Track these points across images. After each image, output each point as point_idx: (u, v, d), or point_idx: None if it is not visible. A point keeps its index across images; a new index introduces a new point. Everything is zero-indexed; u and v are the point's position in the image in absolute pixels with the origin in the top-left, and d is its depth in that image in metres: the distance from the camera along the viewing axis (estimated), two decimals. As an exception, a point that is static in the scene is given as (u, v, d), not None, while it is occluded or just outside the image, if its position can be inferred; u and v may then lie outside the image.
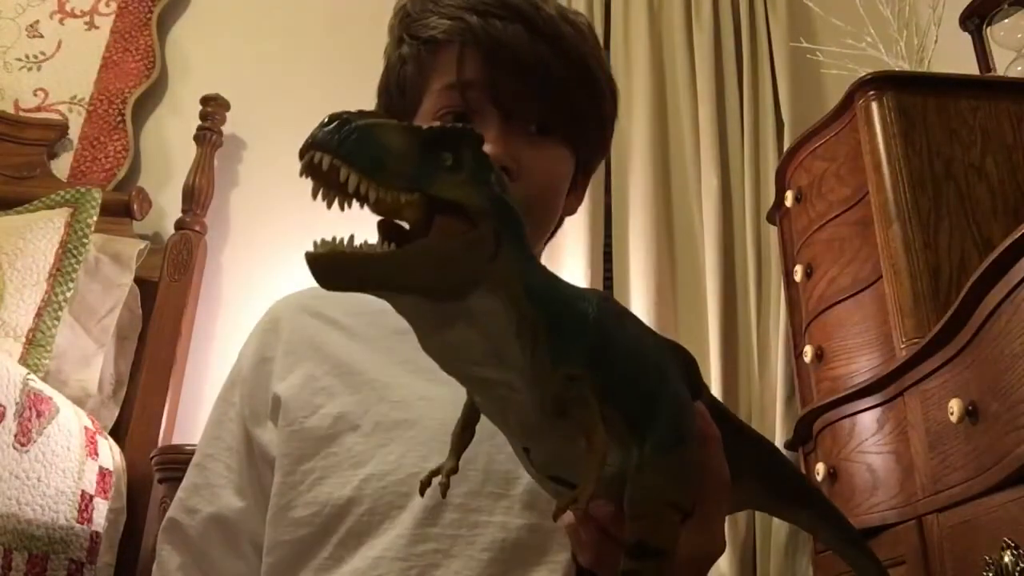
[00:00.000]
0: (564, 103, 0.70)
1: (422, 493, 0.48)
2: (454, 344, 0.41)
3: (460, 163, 0.38)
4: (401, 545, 0.61)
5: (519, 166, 0.68)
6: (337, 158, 0.35)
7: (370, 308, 0.76)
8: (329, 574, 0.63)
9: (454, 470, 0.48)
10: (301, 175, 0.37)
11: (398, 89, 0.75)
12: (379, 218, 0.40)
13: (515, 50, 0.68)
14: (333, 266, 0.36)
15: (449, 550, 0.61)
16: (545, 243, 0.84)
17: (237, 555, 0.69)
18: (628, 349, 0.45)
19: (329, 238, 0.36)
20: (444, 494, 0.47)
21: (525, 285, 0.41)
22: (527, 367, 0.41)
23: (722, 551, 0.48)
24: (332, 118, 0.37)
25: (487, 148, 0.66)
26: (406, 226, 0.39)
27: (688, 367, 0.50)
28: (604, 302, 0.45)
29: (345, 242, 0.36)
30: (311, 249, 0.36)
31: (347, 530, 0.63)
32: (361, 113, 0.38)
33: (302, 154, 0.37)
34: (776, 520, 1.81)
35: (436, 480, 0.48)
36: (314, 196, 0.37)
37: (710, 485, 0.47)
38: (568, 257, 2.05)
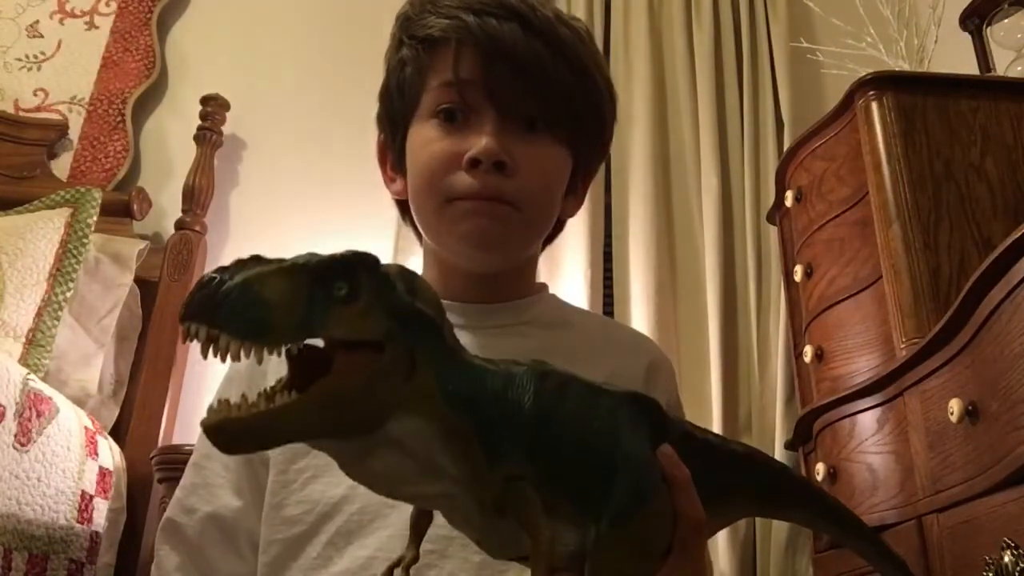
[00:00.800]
0: (560, 101, 0.71)
1: None
2: (381, 472, 0.39)
3: (356, 291, 0.37)
4: (395, 545, 0.61)
5: (513, 161, 0.69)
6: (213, 327, 0.34)
7: None
8: (319, 573, 0.63)
9: (415, 560, 0.47)
10: (183, 342, 0.37)
11: (398, 91, 0.75)
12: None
13: (511, 47, 0.68)
14: (230, 433, 0.35)
15: (444, 550, 0.61)
16: (544, 245, 0.83)
17: (235, 554, 0.69)
18: (571, 427, 0.43)
19: (227, 399, 0.35)
20: None
21: (446, 394, 0.39)
22: (461, 475, 0.40)
23: None
24: (206, 279, 0.35)
25: (483, 143, 0.67)
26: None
27: (650, 413, 0.48)
28: (540, 380, 0.43)
29: (241, 402, 0.35)
30: (206, 417, 0.35)
31: (337, 529, 0.63)
32: (240, 264, 0.36)
33: (181, 321, 0.35)
34: (776, 520, 1.81)
35: (397, 572, 0.47)
36: (204, 356, 0.35)
37: (683, 526, 0.47)
38: (568, 257, 2.05)
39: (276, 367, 0.71)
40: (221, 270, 0.35)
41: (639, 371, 0.77)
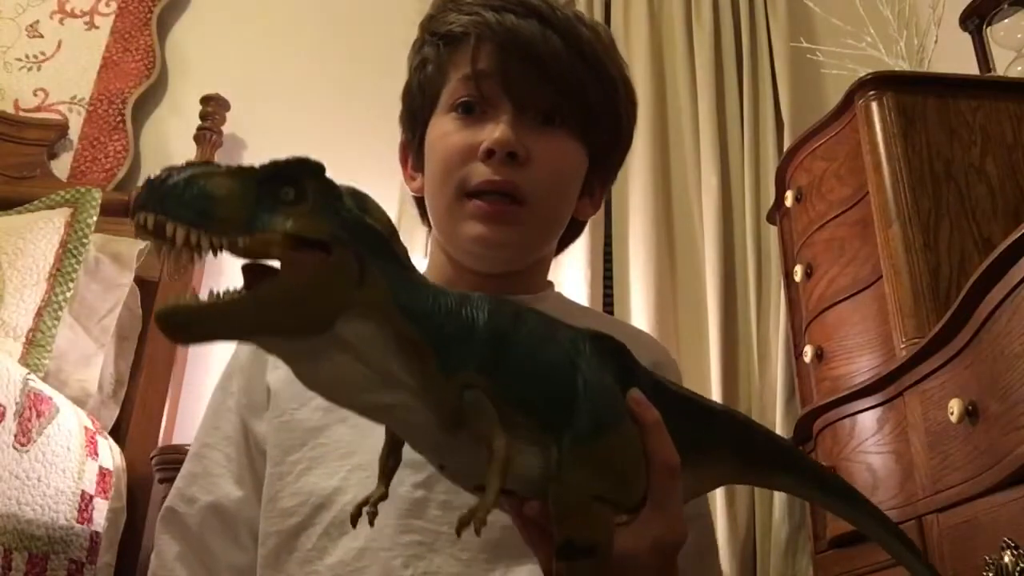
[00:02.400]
0: (576, 96, 0.72)
1: (353, 524, 0.47)
2: (333, 376, 0.40)
3: (303, 195, 0.38)
4: (387, 535, 0.62)
5: (528, 153, 0.69)
6: (161, 214, 0.35)
7: None
8: (314, 565, 0.63)
9: (383, 497, 0.47)
10: (136, 237, 0.38)
11: (419, 89, 0.77)
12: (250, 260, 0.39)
13: (528, 42, 0.70)
14: (179, 321, 0.36)
15: (433, 544, 0.62)
16: (562, 247, 0.83)
17: (236, 544, 0.70)
18: (528, 347, 0.44)
19: (178, 294, 0.36)
20: (372, 523, 0.47)
21: (399, 303, 0.40)
22: (417, 385, 0.40)
23: (684, 538, 0.47)
24: (155, 176, 0.36)
25: (497, 133, 0.68)
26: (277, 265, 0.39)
27: (615, 354, 0.48)
28: (497, 304, 0.44)
29: (197, 295, 0.36)
30: (158, 306, 0.36)
31: (331, 520, 0.64)
32: (190, 164, 0.37)
33: (132, 215, 0.36)
34: (776, 520, 1.81)
35: (365, 510, 0.47)
36: (158, 256, 0.37)
37: (656, 471, 0.46)
38: (568, 257, 2.05)
39: (272, 361, 0.72)
40: (170, 168, 0.36)
41: None
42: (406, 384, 0.40)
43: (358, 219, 0.39)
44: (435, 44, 0.74)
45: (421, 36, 0.77)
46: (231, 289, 0.37)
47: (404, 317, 0.40)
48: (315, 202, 0.38)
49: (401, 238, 0.42)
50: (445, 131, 0.72)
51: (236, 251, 0.37)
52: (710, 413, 0.53)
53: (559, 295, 0.84)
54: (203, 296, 0.36)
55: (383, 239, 0.41)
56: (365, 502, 0.47)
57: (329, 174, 0.39)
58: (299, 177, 0.38)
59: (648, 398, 0.48)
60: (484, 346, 0.42)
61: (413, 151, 0.79)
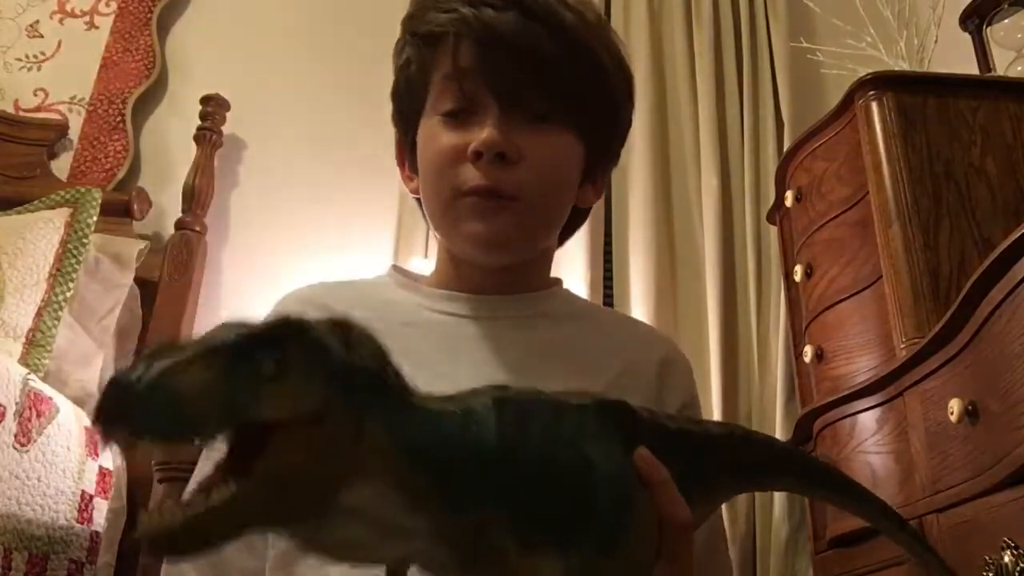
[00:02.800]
0: (564, 87, 0.70)
1: None
2: (342, 542, 0.37)
3: (285, 365, 0.33)
4: None
5: (519, 153, 0.68)
6: (131, 435, 0.31)
7: (376, 300, 0.76)
8: (325, 568, 0.62)
9: None
10: (102, 448, 0.34)
11: (406, 90, 0.76)
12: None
13: (509, 36, 0.68)
14: (169, 543, 0.32)
15: None
16: (565, 238, 0.82)
17: (251, 552, 0.69)
18: (539, 456, 0.41)
19: (159, 506, 0.32)
20: None
21: (401, 448, 0.36)
22: (431, 531, 0.37)
23: None
24: (115, 381, 0.32)
25: (484, 134, 0.66)
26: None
27: (617, 417, 0.47)
28: (499, 412, 0.41)
29: (175, 505, 0.32)
30: (141, 523, 0.32)
31: None
32: (149, 356, 0.33)
33: (96, 427, 0.32)
34: (776, 520, 1.81)
35: None
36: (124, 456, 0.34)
37: (669, 529, 0.46)
38: (568, 257, 2.05)
39: None
40: (131, 367, 0.32)
41: (651, 367, 0.76)
42: (419, 532, 0.37)
43: (348, 367, 0.35)
44: (416, 44, 0.73)
45: (403, 36, 0.76)
46: (214, 473, 0.33)
47: (409, 464, 0.36)
48: (299, 373, 0.34)
49: (384, 356, 0.39)
50: (433, 134, 0.71)
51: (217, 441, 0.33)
52: (710, 440, 0.53)
53: (567, 291, 0.84)
54: (185, 497, 0.32)
55: (376, 377, 0.37)
56: None
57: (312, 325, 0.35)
58: (279, 345, 0.34)
59: (653, 447, 0.47)
60: (496, 471, 0.39)
61: (407, 152, 0.78)
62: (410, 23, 0.75)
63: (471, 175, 0.68)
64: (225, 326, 0.35)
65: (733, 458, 0.53)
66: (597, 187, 0.80)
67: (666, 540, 0.46)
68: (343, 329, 0.37)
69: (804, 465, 0.58)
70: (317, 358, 0.34)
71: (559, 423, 0.43)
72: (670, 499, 0.46)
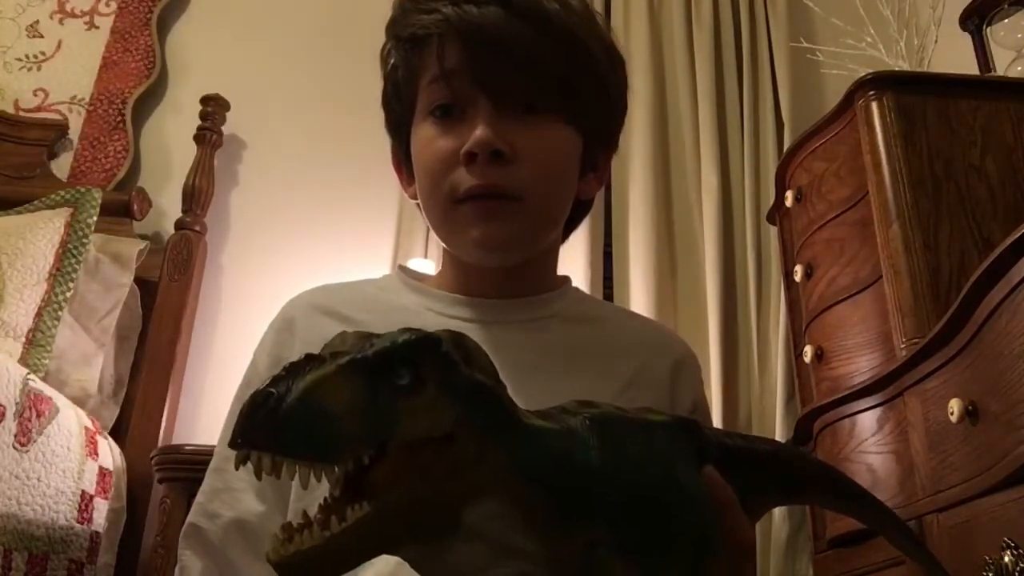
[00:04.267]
0: (554, 79, 0.69)
1: None
2: (456, 565, 0.36)
3: (421, 377, 0.33)
4: None
5: (511, 149, 0.67)
6: (278, 455, 0.30)
7: (384, 304, 0.75)
8: None
9: None
10: (236, 468, 0.32)
11: (395, 95, 0.75)
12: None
13: (494, 32, 0.67)
14: (306, 566, 0.31)
15: None
16: (569, 231, 0.81)
17: (259, 560, 0.68)
18: (635, 477, 0.41)
19: (290, 522, 0.32)
20: None
21: (519, 469, 0.36)
22: (540, 551, 0.37)
23: None
24: (260, 398, 0.31)
25: (476, 134, 0.65)
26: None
27: (689, 434, 0.47)
28: (598, 428, 0.41)
29: (303, 529, 0.32)
30: (275, 549, 0.31)
31: None
32: (292, 369, 0.32)
33: (234, 446, 0.31)
34: (776, 520, 1.81)
35: None
36: (258, 477, 0.32)
37: (732, 550, 0.46)
38: (568, 257, 2.05)
39: None
40: (274, 382, 0.31)
41: (664, 370, 0.75)
42: (528, 552, 0.37)
43: (475, 386, 0.35)
44: (401, 48, 0.72)
45: (388, 40, 0.75)
46: (334, 494, 0.33)
47: (526, 483, 0.36)
48: (434, 387, 0.34)
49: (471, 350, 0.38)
50: (426, 138, 0.70)
51: (358, 466, 0.32)
52: (762, 457, 0.53)
53: (576, 290, 0.83)
54: (308, 520, 0.32)
55: (494, 396, 0.37)
56: None
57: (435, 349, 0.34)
58: (415, 358, 0.33)
59: (716, 467, 0.47)
60: (599, 493, 0.39)
61: (403, 158, 0.77)
62: (394, 27, 0.74)
63: (467, 178, 0.67)
64: (347, 335, 0.34)
65: (781, 474, 0.54)
66: (600, 175, 0.79)
67: (730, 560, 0.45)
68: (461, 342, 0.36)
69: (840, 484, 0.59)
70: (449, 374, 0.34)
71: (649, 442, 0.43)
72: (738, 520, 0.46)
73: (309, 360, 0.33)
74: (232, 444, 0.31)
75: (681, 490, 0.43)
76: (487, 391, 0.36)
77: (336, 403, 0.31)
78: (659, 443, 0.44)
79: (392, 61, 0.74)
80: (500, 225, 0.69)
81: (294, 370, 0.32)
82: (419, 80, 0.71)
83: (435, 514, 0.34)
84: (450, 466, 0.34)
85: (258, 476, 0.31)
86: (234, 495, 0.70)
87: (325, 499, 0.34)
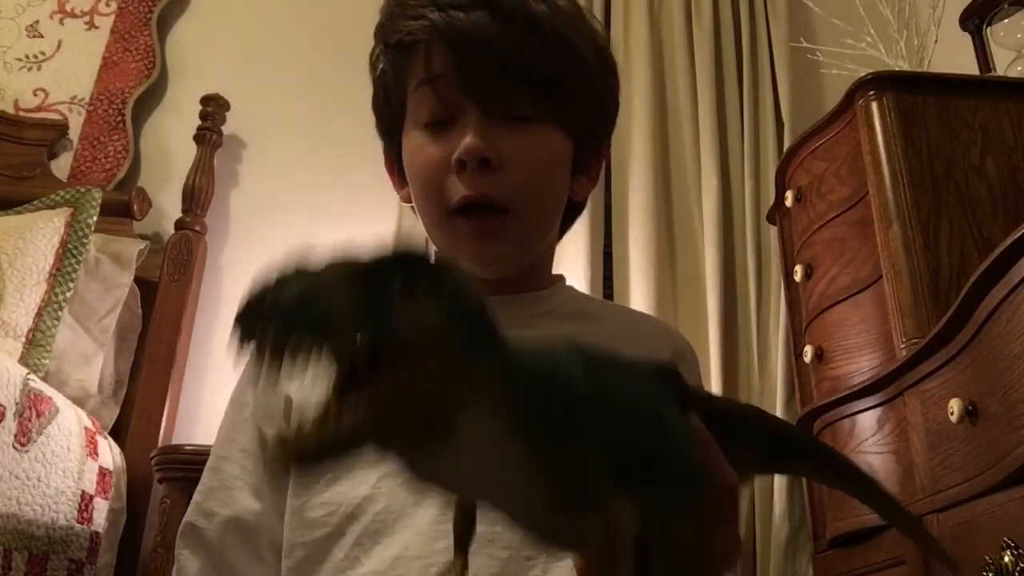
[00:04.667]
0: (542, 83, 0.68)
1: None
2: (453, 473, 0.38)
3: (413, 288, 0.35)
4: (421, 543, 0.60)
5: (500, 156, 0.67)
6: (278, 334, 0.31)
7: None
8: (345, 575, 0.62)
9: (465, 568, 0.45)
10: (240, 348, 0.33)
11: (384, 100, 0.75)
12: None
13: (480, 38, 0.66)
14: (307, 454, 0.33)
15: None
16: (564, 230, 0.81)
17: (257, 558, 0.69)
18: (622, 406, 0.42)
19: (281, 426, 0.33)
20: None
21: (509, 385, 0.37)
22: (530, 469, 0.38)
23: (740, 552, 0.48)
24: (256, 293, 0.32)
25: (465, 142, 0.65)
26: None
27: (672, 381, 0.47)
28: (584, 358, 0.42)
29: (297, 423, 0.33)
30: (276, 444, 0.33)
31: (363, 529, 0.62)
32: (286, 271, 0.34)
33: (236, 344, 0.32)
34: (776, 520, 1.81)
35: None
36: (267, 363, 0.33)
37: (723, 494, 0.46)
38: (568, 257, 2.05)
39: (295, 385, 0.71)
40: (270, 281, 0.33)
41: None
42: (520, 465, 0.38)
43: (464, 297, 0.37)
44: (389, 53, 0.72)
45: (376, 46, 0.75)
46: (329, 400, 0.34)
47: (515, 397, 0.37)
48: (424, 294, 0.35)
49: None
50: (417, 146, 0.70)
51: (354, 362, 0.33)
52: (746, 420, 0.54)
53: (571, 288, 0.83)
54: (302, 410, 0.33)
55: (483, 312, 0.38)
56: (447, 573, 0.44)
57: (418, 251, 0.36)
58: (406, 268, 0.35)
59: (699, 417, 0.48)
60: (589, 413, 0.40)
61: (395, 161, 0.77)
62: (382, 33, 0.73)
63: (458, 187, 0.67)
64: (340, 255, 0.35)
65: (761, 440, 0.54)
66: (592, 175, 0.78)
67: (720, 503, 0.46)
68: (451, 262, 0.38)
69: (819, 452, 0.59)
70: (437, 286, 0.36)
71: (635, 379, 0.44)
72: (722, 464, 0.47)
73: (302, 268, 0.34)
74: (235, 324, 0.33)
75: (668, 428, 0.44)
76: (476, 307, 0.37)
77: (333, 296, 0.33)
78: (645, 383, 0.45)
79: (381, 66, 0.74)
80: (493, 243, 0.69)
81: (288, 271, 0.33)
82: (407, 85, 0.71)
83: (429, 415, 0.35)
84: (442, 372, 0.35)
85: (267, 366, 0.32)
86: (230, 494, 0.70)
87: (317, 404, 0.35)
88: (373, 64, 0.75)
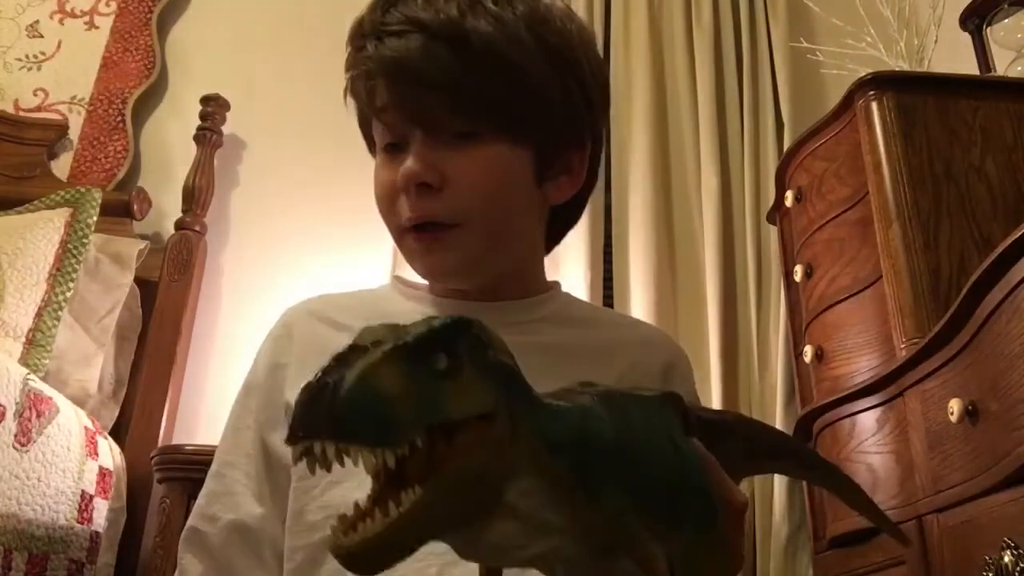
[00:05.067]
0: (478, 101, 0.68)
1: None
2: (495, 543, 0.37)
3: (457, 361, 0.34)
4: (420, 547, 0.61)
5: (442, 177, 0.68)
6: (342, 441, 0.31)
7: (381, 311, 0.75)
8: None
9: None
10: (295, 463, 0.32)
11: (362, 125, 0.78)
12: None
13: (413, 66, 0.67)
14: (371, 554, 0.32)
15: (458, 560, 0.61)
16: (557, 236, 0.81)
17: (259, 563, 0.69)
18: (645, 446, 0.43)
19: (344, 514, 0.33)
20: None
21: (546, 445, 0.37)
22: (568, 524, 0.38)
23: (741, 566, 0.48)
24: (316, 385, 0.32)
25: (403, 167, 0.67)
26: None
27: (675, 406, 0.48)
28: (606, 402, 0.42)
29: (364, 517, 0.32)
30: (338, 541, 0.32)
31: None
32: (339, 359, 0.33)
33: (293, 440, 0.32)
34: (776, 520, 1.81)
35: None
36: (312, 471, 0.33)
37: (734, 511, 0.47)
38: (568, 257, 2.05)
39: (295, 376, 0.72)
40: (325, 372, 0.32)
41: (656, 367, 0.76)
42: (558, 527, 0.38)
43: (503, 366, 0.36)
44: (351, 82, 0.74)
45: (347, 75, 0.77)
46: (381, 492, 0.33)
47: (554, 459, 0.37)
48: (470, 369, 0.34)
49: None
50: (377, 170, 0.73)
51: (405, 455, 0.33)
52: (732, 428, 0.55)
53: (567, 295, 0.83)
54: (365, 507, 0.33)
55: (518, 376, 0.38)
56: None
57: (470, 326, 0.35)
58: (451, 341, 0.34)
59: (699, 438, 0.49)
60: (618, 464, 0.40)
61: None
62: (347, 62, 0.75)
63: (404, 209, 0.69)
64: (375, 328, 0.35)
65: (745, 446, 0.56)
66: (573, 178, 0.77)
67: (733, 521, 0.47)
68: (483, 327, 0.37)
69: (801, 453, 0.62)
70: (481, 356, 0.35)
71: (648, 414, 0.45)
72: (726, 484, 0.47)
73: (353, 350, 0.33)
74: (292, 437, 0.32)
75: (684, 457, 0.44)
76: (512, 371, 0.37)
77: (390, 387, 0.32)
78: (655, 415, 0.45)
79: (350, 95, 0.76)
80: (441, 255, 0.70)
81: (342, 360, 0.33)
82: (368, 114, 0.74)
83: (483, 492, 0.35)
84: (492, 445, 0.35)
85: (322, 466, 0.32)
86: (234, 499, 0.71)
87: (373, 489, 0.34)
88: (345, 93, 0.77)
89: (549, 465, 0.37)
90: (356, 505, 0.34)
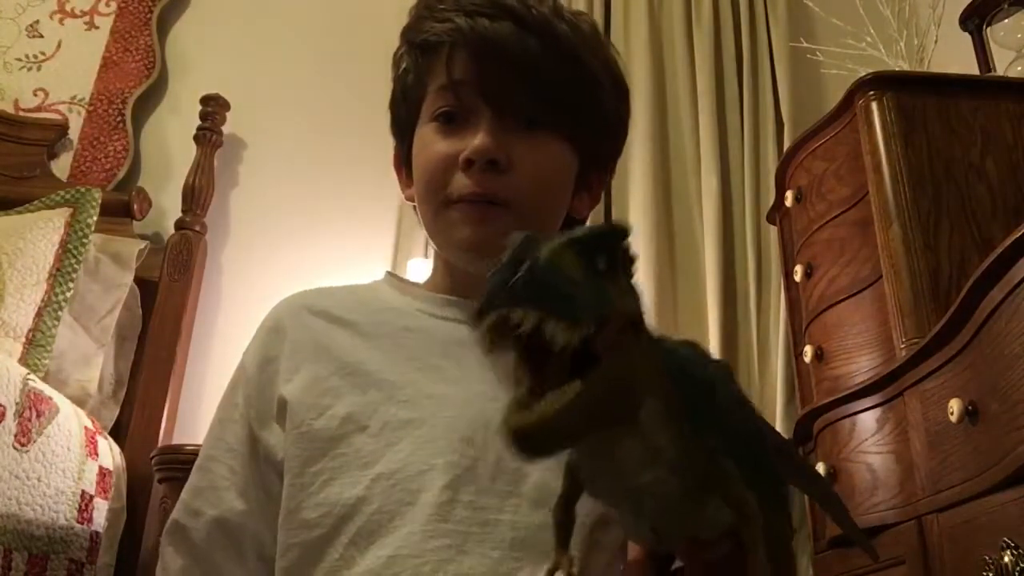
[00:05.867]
0: (556, 97, 0.71)
1: None
2: (620, 459, 0.38)
3: (613, 266, 0.35)
4: (414, 542, 0.61)
5: (509, 160, 0.69)
6: (540, 311, 0.32)
7: (375, 305, 0.76)
8: (341, 575, 0.63)
9: (571, 562, 0.44)
10: (486, 338, 0.33)
11: (403, 98, 0.77)
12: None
13: (503, 46, 0.69)
14: (540, 436, 0.33)
15: (462, 546, 0.61)
16: None
17: (240, 559, 0.69)
18: (725, 394, 0.44)
19: (521, 402, 0.33)
20: None
21: (667, 370, 0.38)
22: (675, 455, 0.39)
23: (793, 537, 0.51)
24: (509, 262, 0.33)
25: (476, 142, 0.68)
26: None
27: (734, 378, 0.49)
28: (698, 353, 0.43)
29: (538, 400, 0.33)
30: (511, 422, 0.33)
31: (357, 530, 0.63)
32: (528, 241, 0.34)
33: (486, 312, 0.33)
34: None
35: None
36: (489, 352, 0.33)
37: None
38: (568, 257, 2.05)
39: (287, 370, 0.71)
40: (513, 256, 0.34)
41: None
42: (668, 456, 0.39)
43: (634, 283, 0.38)
44: (413, 53, 0.74)
45: (400, 45, 0.77)
46: (532, 387, 0.34)
47: (670, 384, 0.38)
48: (625, 274, 0.36)
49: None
50: (427, 141, 0.73)
51: (586, 339, 0.33)
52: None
53: None
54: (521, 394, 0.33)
55: (641, 298, 0.39)
56: (553, 570, 0.44)
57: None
58: (612, 244, 0.35)
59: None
60: (713, 404, 0.41)
61: (404, 160, 0.79)
62: (408, 33, 0.76)
63: (462, 183, 0.69)
64: (530, 236, 0.35)
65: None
66: (594, 195, 0.80)
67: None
68: (629, 247, 0.38)
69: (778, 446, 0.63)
70: (630, 267, 0.37)
71: (726, 376, 0.46)
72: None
73: (531, 239, 0.34)
74: (486, 307, 0.33)
75: (754, 416, 0.46)
76: (637, 292, 0.38)
77: (575, 272, 0.33)
78: (730, 379, 0.46)
79: (403, 65, 0.76)
80: (488, 228, 0.70)
81: (526, 245, 0.34)
82: (427, 86, 0.73)
83: (629, 396, 0.36)
84: (642, 350, 0.36)
85: (509, 340, 0.32)
86: (217, 493, 0.71)
87: (532, 382, 0.35)
88: (396, 63, 0.78)
89: (669, 389, 0.38)
90: (524, 393, 0.34)
